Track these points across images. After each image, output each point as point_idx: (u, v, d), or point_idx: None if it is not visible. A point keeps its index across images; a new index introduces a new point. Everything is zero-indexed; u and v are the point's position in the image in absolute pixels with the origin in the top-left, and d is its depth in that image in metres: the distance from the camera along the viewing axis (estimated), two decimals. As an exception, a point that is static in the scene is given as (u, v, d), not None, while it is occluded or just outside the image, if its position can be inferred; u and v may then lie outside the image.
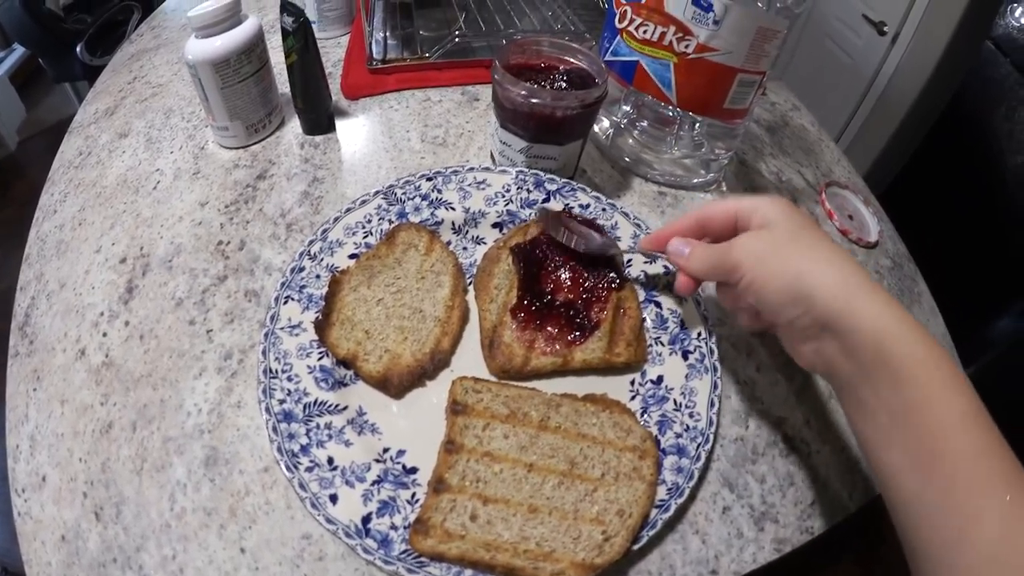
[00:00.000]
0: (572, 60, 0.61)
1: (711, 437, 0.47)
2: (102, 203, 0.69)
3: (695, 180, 0.66)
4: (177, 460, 0.49)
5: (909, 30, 1.36)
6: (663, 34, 0.56)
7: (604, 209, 0.59)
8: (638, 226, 0.58)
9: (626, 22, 0.59)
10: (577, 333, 0.51)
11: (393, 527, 0.42)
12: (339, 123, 0.74)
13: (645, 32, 0.58)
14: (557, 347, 0.51)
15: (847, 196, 0.73)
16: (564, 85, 0.59)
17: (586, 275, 0.54)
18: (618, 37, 0.61)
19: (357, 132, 0.73)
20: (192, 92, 0.74)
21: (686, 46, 0.56)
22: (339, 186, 0.67)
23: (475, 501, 0.43)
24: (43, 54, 1.93)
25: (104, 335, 0.57)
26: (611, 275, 0.53)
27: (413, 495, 0.44)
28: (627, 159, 0.68)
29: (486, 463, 0.44)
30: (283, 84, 0.73)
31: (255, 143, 0.72)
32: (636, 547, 0.43)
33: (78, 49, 1.83)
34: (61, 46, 1.84)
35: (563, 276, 0.54)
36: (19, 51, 2.59)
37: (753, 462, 0.50)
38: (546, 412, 0.47)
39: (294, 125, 0.74)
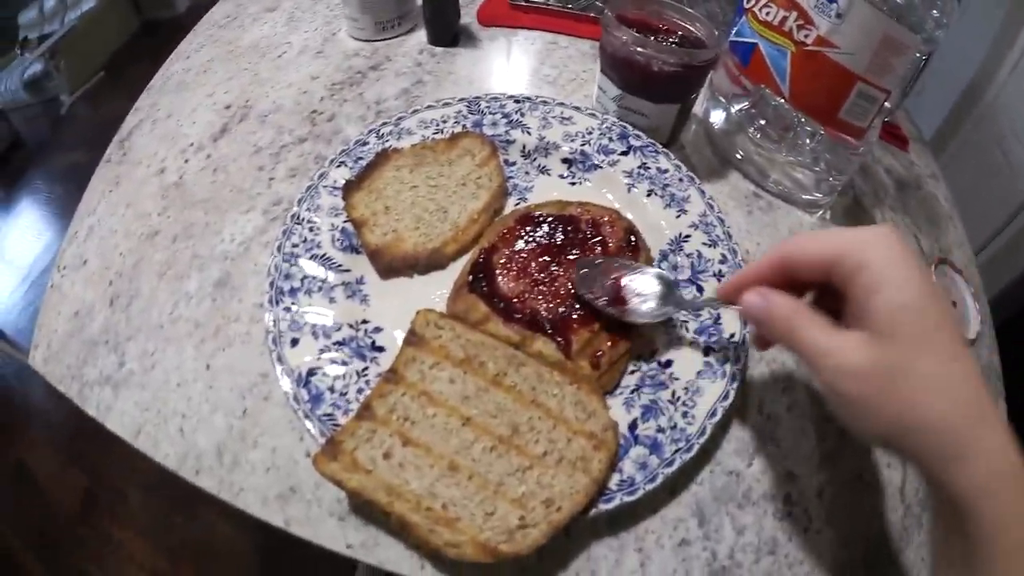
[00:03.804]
0: (691, 27, 0.58)
1: (696, 447, 0.40)
2: (230, 59, 0.74)
3: (804, 196, 0.61)
4: (195, 275, 0.52)
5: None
6: (784, 18, 0.53)
7: (681, 179, 0.55)
8: (710, 207, 0.54)
9: (752, 2, 0.56)
10: (549, 325, 0.45)
11: (331, 388, 0.42)
12: (463, 42, 0.75)
13: (768, 14, 0.54)
14: (519, 327, 0.44)
15: (957, 280, 0.64)
16: (674, 47, 0.57)
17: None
18: (743, 18, 0.58)
19: (476, 54, 0.74)
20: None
21: (805, 35, 0.52)
22: (438, 92, 0.68)
23: (395, 439, 0.39)
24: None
25: (186, 161, 0.62)
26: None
27: (365, 369, 0.43)
28: (739, 155, 0.63)
29: (421, 403, 0.40)
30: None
31: (380, 40, 0.75)
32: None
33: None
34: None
35: (556, 287, 0.47)
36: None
37: (739, 506, 0.42)
38: (505, 367, 0.42)
39: (421, 35, 0.75)
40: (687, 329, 0.46)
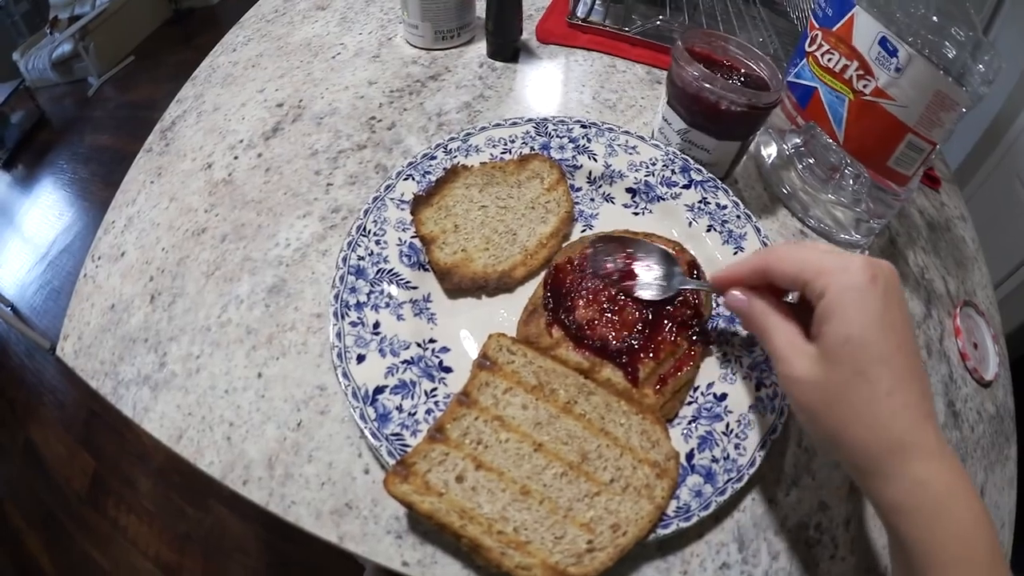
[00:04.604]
0: (754, 67, 0.59)
1: (746, 477, 0.42)
2: (281, 55, 0.74)
3: (842, 236, 0.62)
4: (247, 278, 0.52)
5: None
6: (845, 67, 0.54)
7: (739, 216, 0.55)
8: (764, 244, 0.54)
9: (815, 46, 0.57)
10: (616, 354, 0.45)
11: (399, 408, 0.41)
12: (522, 58, 0.75)
13: (829, 61, 0.56)
14: (588, 353, 0.45)
15: (979, 323, 0.65)
16: (739, 85, 0.57)
17: (659, 317, 0.47)
18: (804, 60, 0.59)
19: (536, 70, 0.74)
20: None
21: (864, 85, 0.53)
22: (500, 109, 0.67)
23: (468, 462, 0.39)
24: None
25: (235, 158, 0.61)
26: (693, 327, 0.47)
27: (433, 390, 0.43)
28: (785, 189, 0.64)
29: (494, 427, 0.40)
30: (483, 7, 0.74)
31: (439, 49, 0.75)
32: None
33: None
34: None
35: (625, 315, 0.47)
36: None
37: (776, 532, 0.43)
38: (575, 395, 0.43)
39: (480, 47, 0.75)
40: (741, 364, 0.47)
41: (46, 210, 2.15)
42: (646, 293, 0.47)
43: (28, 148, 2.43)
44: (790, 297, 0.42)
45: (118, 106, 2.58)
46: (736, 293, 0.41)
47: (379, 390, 0.42)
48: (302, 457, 0.42)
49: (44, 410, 1.58)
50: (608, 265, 0.48)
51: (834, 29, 0.55)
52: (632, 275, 0.48)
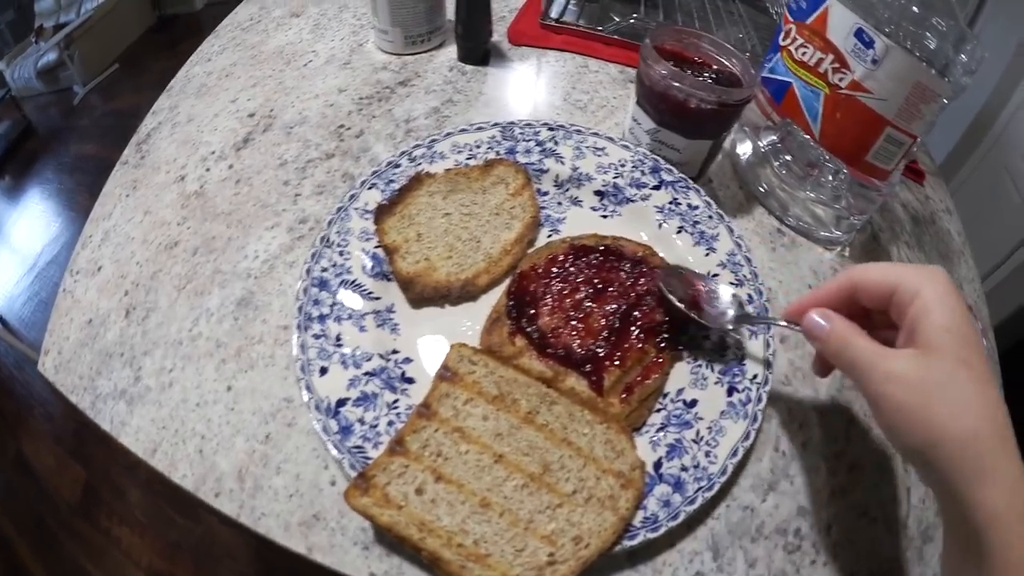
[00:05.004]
0: (726, 63, 0.58)
1: (717, 486, 0.41)
2: (254, 64, 0.74)
3: (822, 233, 0.61)
4: (217, 291, 0.51)
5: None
6: (820, 60, 0.53)
7: (711, 217, 0.55)
8: (738, 245, 0.53)
9: (789, 40, 0.56)
10: (581, 363, 0.45)
11: (361, 420, 0.41)
12: (493, 61, 0.75)
13: (804, 54, 0.55)
14: (552, 362, 0.45)
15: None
16: (710, 82, 0.56)
17: (626, 323, 0.47)
18: (778, 55, 0.58)
19: (506, 73, 0.73)
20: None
21: (840, 79, 0.52)
22: (468, 113, 0.67)
23: (427, 474, 0.39)
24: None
25: (207, 170, 0.61)
26: (663, 334, 0.47)
27: (395, 401, 0.43)
28: (762, 188, 0.63)
29: (454, 439, 0.40)
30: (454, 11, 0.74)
31: (410, 54, 0.74)
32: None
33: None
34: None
35: (590, 323, 0.46)
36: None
37: (752, 540, 0.43)
38: (537, 405, 0.42)
39: (451, 51, 0.75)
40: (712, 369, 0.47)
41: (33, 221, 2.15)
42: (715, 324, 0.46)
43: (14, 158, 2.42)
44: None
45: (103, 114, 2.57)
46: (815, 316, 0.40)
47: (341, 402, 0.41)
48: (271, 469, 0.42)
49: (34, 421, 1.58)
50: (677, 294, 0.47)
51: (808, 22, 0.54)
52: (699, 306, 0.47)
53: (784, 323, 0.43)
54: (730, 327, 0.47)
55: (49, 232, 2.09)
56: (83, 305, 0.52)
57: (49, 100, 2.71)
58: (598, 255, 0.50)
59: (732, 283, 0.51)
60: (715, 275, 0.52)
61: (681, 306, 0.46)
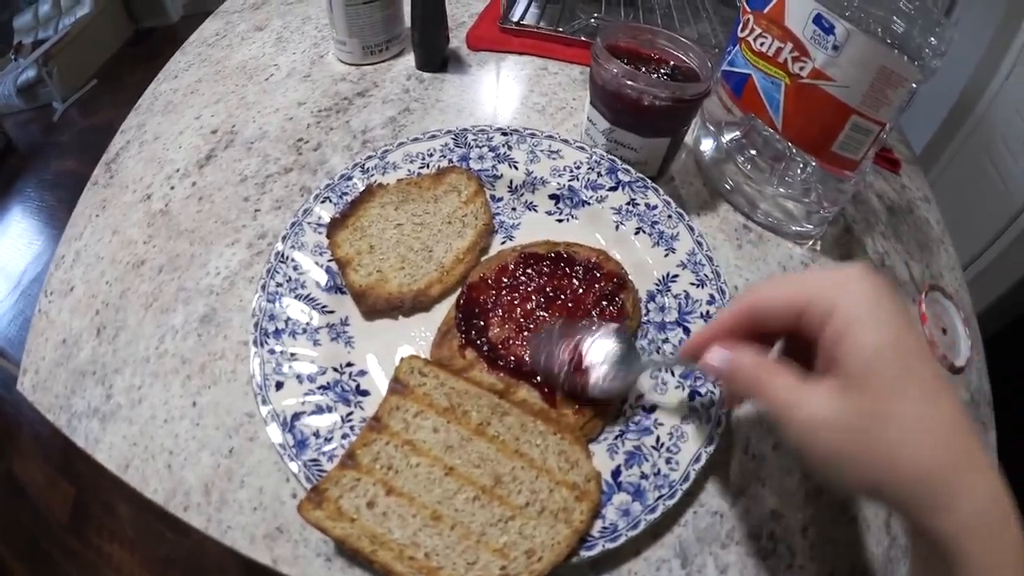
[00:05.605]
0: (683, 58, 0.57)
1: (679, 493, 0.40)
2: (218, 80, 0.74)
3: (793, 228, 0.60)
4: (181, 308, 0.52)
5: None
6: (779, 50, 0.52)
7: (670, 216, 0.54)
8: (699, 244, 0.53)
9: (747, 31, 0.55)
10: (532, 373, 0.44)
11: (316, 434, 0.42)
12: (452, 68, 0.75)
13: (762, 45, 0.53)
14: (503, 374, 0.44)
15: (948, 308, 0.64)
16: (666, 78, 0.56)
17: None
18: (737, 47, 0.57)
19: (464, 79, 0.74)
20: (334, 5, 0.78)
21: (800, 68, 0.51)
22: (425, 121, 0.67)
23: (379, 488, 0.39)
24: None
25: (172, 188, 0.61)
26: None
27: (349, 414, 0.43)
28: (728, 184, 0.62)
29: (405, 452, 0.40)
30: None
31: (368, 64, 0.75)
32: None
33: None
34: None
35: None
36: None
37: (723, 546, 0.42)
38: (488, 416, 0.42)
39: (410, 60, 0.75)
40: (672, 373, 0.46)
41: (16, 239, 2.14)
42: (607, 387, 0.42)
43: (-4, 176, 2.41)
44: (773, 352, 0.37)
45: (82, 130, 2.57)
46: (714, 353, 0.35)
47: (297, 416, 0.42)
48: (235, 483, 0.43)
49: (23, 440, 1.58)
50: (552, 362, 0.43)
51: (766, 11, 0.52)
52: (583, 369, 0.42)
53: (683, 364, 0.40)
54: (621, 391, 0.43)
55: (32, 250, 2.08)
56: (57, 325, 0.53)
57: (29, 117, 2.70)
58: (549, 262, 0.50)
59: (693, 284, 0.51)
60: (675, 276, 0.51)
61: (561, 376, 0.42)
